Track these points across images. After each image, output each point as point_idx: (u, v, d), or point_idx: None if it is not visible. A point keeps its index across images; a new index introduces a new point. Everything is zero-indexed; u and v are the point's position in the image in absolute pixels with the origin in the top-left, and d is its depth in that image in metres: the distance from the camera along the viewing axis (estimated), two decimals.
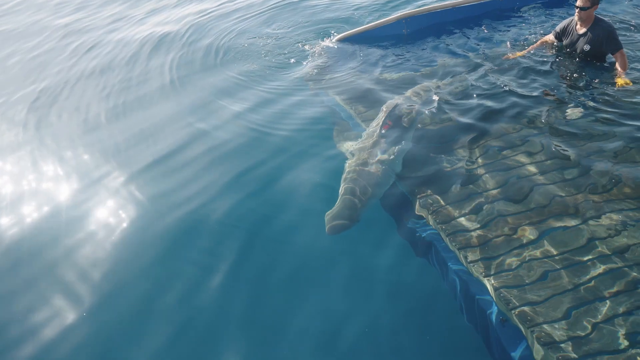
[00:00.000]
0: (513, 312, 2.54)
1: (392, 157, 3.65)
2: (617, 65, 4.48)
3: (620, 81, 4.33)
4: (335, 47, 5.94)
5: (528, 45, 5.20)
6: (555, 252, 2.82)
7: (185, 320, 3.01)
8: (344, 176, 3.59)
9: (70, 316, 3.10)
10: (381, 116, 3.98)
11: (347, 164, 3.70)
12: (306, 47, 6.23)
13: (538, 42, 5.14)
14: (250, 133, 4.67)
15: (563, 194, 3.21)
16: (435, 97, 4.41)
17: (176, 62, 6.55)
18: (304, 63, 5.82)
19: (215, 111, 5.16)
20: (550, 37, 5.03)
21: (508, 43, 5.41)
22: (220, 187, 4.02)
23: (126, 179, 4.30)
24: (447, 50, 5.60)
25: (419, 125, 4.06)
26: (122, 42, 7.74)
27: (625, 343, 2.33)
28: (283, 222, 3.63)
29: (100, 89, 6.15)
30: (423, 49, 5.70)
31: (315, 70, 5.56)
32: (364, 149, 3.72)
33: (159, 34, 7.69)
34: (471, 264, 2.84)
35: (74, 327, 3.03)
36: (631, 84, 4.29)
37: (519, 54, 5.05)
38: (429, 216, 3.25)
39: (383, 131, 3.79)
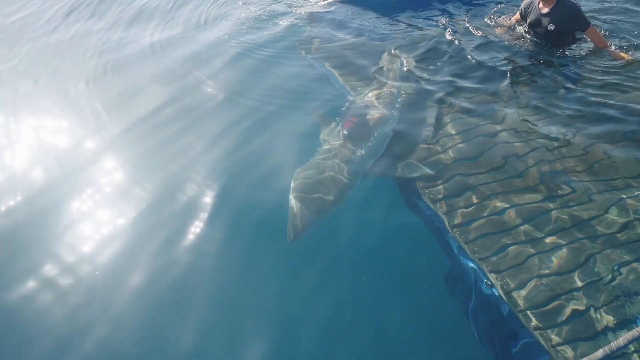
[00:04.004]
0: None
1: (354, 158, 3.38)
2: (594, 43, 4.36)
3: (624, 56, 4.19)
4: (325, 11, 5.89)
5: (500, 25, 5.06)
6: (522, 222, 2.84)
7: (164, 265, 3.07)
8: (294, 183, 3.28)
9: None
10: (342, 114, 3.74)
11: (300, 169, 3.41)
12: (295, 9, 6.15)
13: (509, 23, 4.95)
14: (231, 97, 4.66)
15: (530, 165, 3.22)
16: (402, 83, 4.23)
17: (160, 27, 6.43)
18: (291, 26, 5.74)
19: (191, 76, 5.12)
20: (517, 17, 4.83)
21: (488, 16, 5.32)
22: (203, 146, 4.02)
23: (109, 138, 4.30)
24: (429, 22, 5.52)
25: (382, 117, 3.78)
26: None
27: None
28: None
29: (83, 51, 6.08)
30: (407, 20, 5.66)
31: (305, 36, 5.47)
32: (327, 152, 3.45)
33: None
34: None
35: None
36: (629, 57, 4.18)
37: (499, 30, 4.86)
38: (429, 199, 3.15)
39: (345, 131, 3.49)
